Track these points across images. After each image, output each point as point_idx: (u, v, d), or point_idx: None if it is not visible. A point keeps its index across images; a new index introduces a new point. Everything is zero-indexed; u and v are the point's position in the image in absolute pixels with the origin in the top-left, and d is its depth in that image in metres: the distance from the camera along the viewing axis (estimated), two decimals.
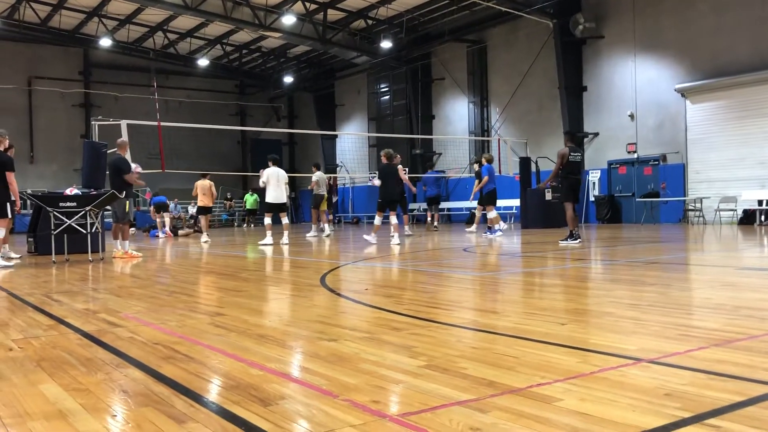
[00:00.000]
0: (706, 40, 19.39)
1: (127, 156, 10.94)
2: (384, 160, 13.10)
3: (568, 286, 5.94)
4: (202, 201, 16.76)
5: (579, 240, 11.09)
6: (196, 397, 2.49)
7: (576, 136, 12.04)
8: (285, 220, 13.88)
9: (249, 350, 3.31)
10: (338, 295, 5.57)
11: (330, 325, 4.06)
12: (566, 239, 11.17)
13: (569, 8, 22.05)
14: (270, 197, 13.53)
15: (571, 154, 11.35)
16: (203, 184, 16.76)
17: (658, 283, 5.70)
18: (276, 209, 13.69)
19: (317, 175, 17.19)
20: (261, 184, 13.76)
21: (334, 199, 27.12)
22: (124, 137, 11.70)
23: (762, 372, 2.61)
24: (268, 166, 13.69)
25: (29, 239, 12.11)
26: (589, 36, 22.07)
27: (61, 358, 3.23)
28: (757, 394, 2.33)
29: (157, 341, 3.58)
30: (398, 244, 12.16)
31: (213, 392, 2.62)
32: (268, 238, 13.33)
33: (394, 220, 12.83)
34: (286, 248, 12.25)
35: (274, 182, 13.46)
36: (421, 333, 3.67)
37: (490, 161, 15.51)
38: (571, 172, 11.36)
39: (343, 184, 33.80)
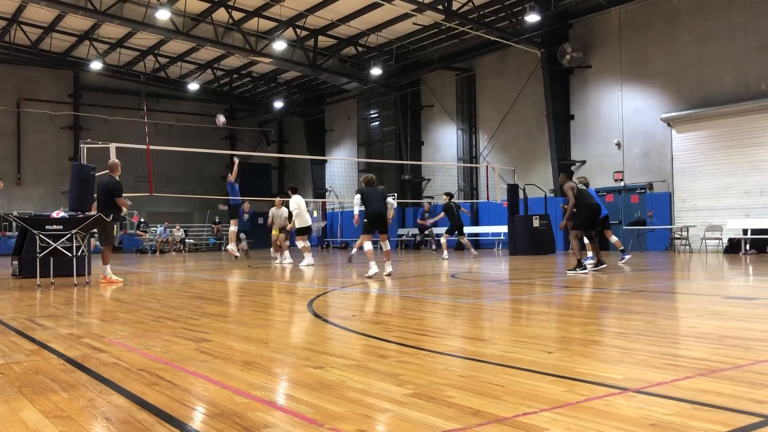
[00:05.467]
0: (692, 71, 19.71)
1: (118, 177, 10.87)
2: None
3: (555, 313, 5.94)
4: None
5: (585, 271, 10.51)
6: (180, 425, 2.47)
7: (572, 173, 11.40)
8: (307, 243, 15.04)
9: (234, 377, 3.28)
10: (325, 321, 5.54)
11: (316, 352, 4.04)
12: (575, 269, 10.55)
13: (557, 38, 22.40)
14: (306, 222, 14.90)
15: (579, 185, 10.98)
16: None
17: (645, 312, 5.72)
18: (309, 231, 15.18)
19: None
20: (295, 212, 14.87)
21: (321, 224, 27.03)
22: (114, 159, 11.60)
23: (747, 402, 2.62)
24: (289, 196, 15.15)
25: (14, 262, 11.98)
26: (576, 65, 22.39)
27: (43, 383, 3.19)
28: (742, 425, 2.33)
29: (142, 367, 3.54)
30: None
31: (197, 420, 2.59)
32: (309, 259, 14.51)
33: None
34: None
35: (304, 208, 14.90)
36: (408, 361, 3.65)
37: (586, 185, 12.49)
38: (584, 200, 10.82)
39: (332, 209, 33.83)
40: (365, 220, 10.53)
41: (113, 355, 3.95)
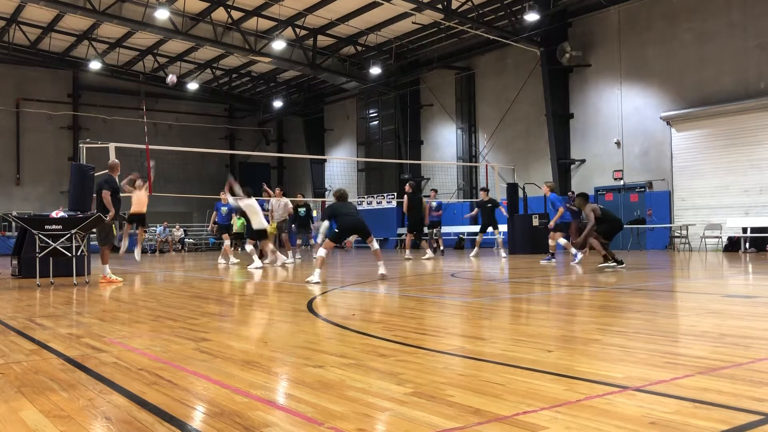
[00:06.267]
0: (691, 70, 19.72)
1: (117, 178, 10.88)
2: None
3: (555, 312, 5.94)
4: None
5: (623, 265, 11.18)
6: (180, 425, 2.46)
7: (587, 195, 12.30)
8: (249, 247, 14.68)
9: (234, 377, 3.28)
10: (325, 320, 5.54)
11: (316, 351, 4.03)
12: (607, 263, 11.28)
13: (556, 37, 22.39)
14: (262, 224, 14.19)
15: (601, 207, 11.79)
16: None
17: (645, 310, 5.72)
18: (264, 236, 14.43)
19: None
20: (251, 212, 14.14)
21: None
22: (115, 159, 11.59)
23: (746, 400, 2.62)
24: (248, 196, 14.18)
25: (13, 262, 11.98)
26: (575, 64, 22.39)
27: (43, 383, 3.19)
28: (742, 423, 2.33)
29: (142, 367, 3.54)
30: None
31: (197, 419, 2.59)
32: (258, 262, 13.81)
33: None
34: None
35: (259, 210, 14.21)
36: (408, 360, 3.65)
37: (552, 189, 14.91)
38: (608, 217, 11.61)
39: None
40: (336, 231, 9.97)
41: (113, 354, 3.95)
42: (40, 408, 2.72)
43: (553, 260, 13.84)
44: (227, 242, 16.47)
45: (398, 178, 29.22)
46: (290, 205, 16.57)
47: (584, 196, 12.15)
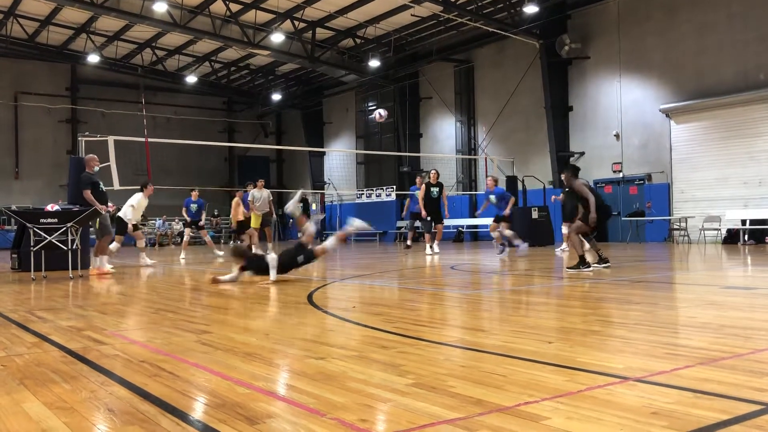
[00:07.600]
0: (691, 61, 19.69)
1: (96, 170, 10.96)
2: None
3: (555, 304, 5.96)
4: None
5: (590, 269, 9.10)
6: (182, 416, 2.47)
7: (578, 168, 10.47)
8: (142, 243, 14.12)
9: (236, 368, 3.28)
10: (326, 312, 5.55)
11: (317, 343, 4.04)
12: (577, 266, 9.14)
13: (555, 29, 22.35)
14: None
15: (588, 185, 9.89)
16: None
17: (645, 302, 5.73)
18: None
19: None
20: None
21: (321, 217, 27.01)
22: (111, 152, 11.60)
23: (747, 390, 2.63)
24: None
25: (13, 255, 11.98)
26: (575, 56, 22.36)
27: (45, 375, 3.19)
28: (742, 413, 2.34)
29: (143, 359, 3.55)
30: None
31: (199, 410, 2.59)
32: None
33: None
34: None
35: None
36: (409, 351, 3.66)
37: (497, 182, 14.99)
38: (601, 200, 9.61)
39: (331, 202, 33.85)
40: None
41: (114, 347, 3.96)
42: (42, 400, 2.73)
43: (505, 252, 13.57)
44: (207, 237, 17.00)
45: (397, 171, 29.20)
46: (272, 198, 16.44)
47: (572, 170, 9.94)
